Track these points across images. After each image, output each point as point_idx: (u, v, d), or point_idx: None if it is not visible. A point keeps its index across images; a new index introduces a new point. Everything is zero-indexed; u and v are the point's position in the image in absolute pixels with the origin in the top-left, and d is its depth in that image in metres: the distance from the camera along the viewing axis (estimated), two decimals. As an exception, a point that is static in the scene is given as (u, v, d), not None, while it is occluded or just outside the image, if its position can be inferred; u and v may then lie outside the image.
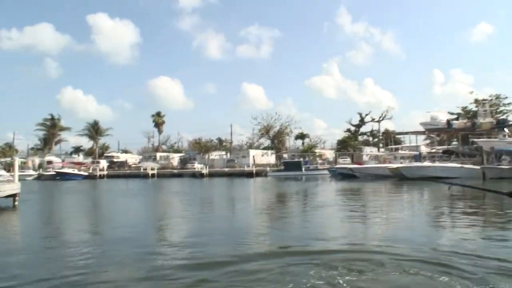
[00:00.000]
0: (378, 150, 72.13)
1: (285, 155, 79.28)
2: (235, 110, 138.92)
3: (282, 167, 63.95)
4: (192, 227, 14.74)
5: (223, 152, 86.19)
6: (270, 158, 78.02)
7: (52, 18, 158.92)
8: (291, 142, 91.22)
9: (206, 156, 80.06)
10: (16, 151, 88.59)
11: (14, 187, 20.58)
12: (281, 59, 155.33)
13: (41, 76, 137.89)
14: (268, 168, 64.74)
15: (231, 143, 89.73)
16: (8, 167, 60.44)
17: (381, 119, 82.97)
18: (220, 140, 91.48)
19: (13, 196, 20.21)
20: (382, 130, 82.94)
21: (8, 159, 71.55)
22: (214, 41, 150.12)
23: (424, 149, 57.73)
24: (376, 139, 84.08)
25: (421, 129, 65.39)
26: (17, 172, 23.34)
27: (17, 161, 27.82)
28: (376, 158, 59.33)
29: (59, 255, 9.80)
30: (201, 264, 8.46)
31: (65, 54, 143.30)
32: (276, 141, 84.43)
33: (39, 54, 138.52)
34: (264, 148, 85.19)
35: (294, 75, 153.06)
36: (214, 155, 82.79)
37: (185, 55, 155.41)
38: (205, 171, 63.85)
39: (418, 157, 49.78)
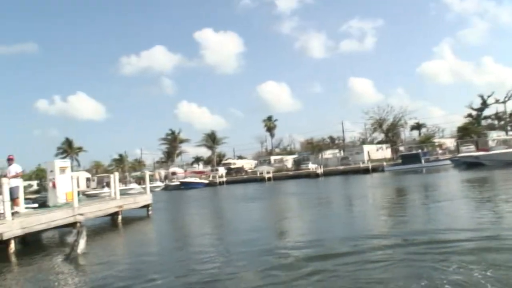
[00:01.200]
0: (506, 133, 65.85)
1: (401, 148, 76.10)
2: (344, 107, 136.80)
3: (400, 161, 61.47)
4: (312, 225, 14.97)
5: (336, 150, 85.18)
6: (385, 152, 75.35)
7: (164, 40, 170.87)
8: (406, 134, 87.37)
9: (320, 156, 79.80)
10: (144, 165, 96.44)
11: (147, 198, 22.54)
12: (387, 49, 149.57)
13: (159, 94, 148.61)
14: (384, 163, 62.58)
15: (343, 140, 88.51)
16: (138, 180, 66.07)
17: (507, 99, 75.05)
18: (332, 138, 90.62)
19: (147, 206, 22.12)
20: (509, 111, 75.56)
21: (138, 173, 78.16)
22: (316, 40, 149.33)
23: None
24: (502, 122, 76.84)
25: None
26: (148, 185, 25.47)
27: (147, 175, 30.44)
28: (504, 142, 54.26)
29: (190, 257, 10.62)
30: (321, 255, 8.94)
31: (178, 72, 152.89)
32: (391, 134, 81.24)
33: (155, 74, 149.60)
34: (378, 143, 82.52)
35: (403, 64, 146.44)
36: (328, 154, 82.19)
37: (289, 58, 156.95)
38: (319, 170, 63.58)
39: (556, 138, 44.64)
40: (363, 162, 64.42)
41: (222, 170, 77.44)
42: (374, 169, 59.41)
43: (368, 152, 71.52)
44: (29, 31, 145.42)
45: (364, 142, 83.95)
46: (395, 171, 54.16)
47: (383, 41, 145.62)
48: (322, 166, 66.52)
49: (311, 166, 69.07)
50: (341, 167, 66.09)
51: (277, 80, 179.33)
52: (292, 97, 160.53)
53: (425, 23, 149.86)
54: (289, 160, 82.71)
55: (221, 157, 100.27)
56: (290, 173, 69.59)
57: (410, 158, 58.44)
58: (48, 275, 9.78)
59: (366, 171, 58.84)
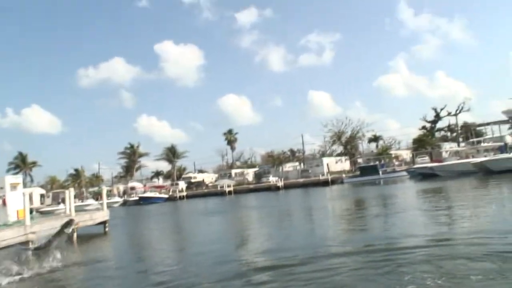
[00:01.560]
0: (458, 145, 68.34)
1: (359, 160, 77.64)
2: (304, 120, 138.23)
3: (358, 173, 62.65)
4: (271, 237, 15.07)
5: (297, 163, 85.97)
6: (344, 164, 76.69)
7: (123, 52, 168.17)
8: (364, 146, 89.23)
9: (280, 169, 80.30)
10: (102, 180, 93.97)
11: (104, 215, 21.95)
12: (345, 62, 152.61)
13: (118, 107, 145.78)
14: (343, 175, 63.66)
15: (303, 153, 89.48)
16: (96, 196, 64.33)
17: (458, 112, 77.92)
18: (292, 151, 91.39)
19: (104, 222, 21.52)
20: (460, 123, 78.57)
21: (96, 188, 76.14)
22: (276, 54, 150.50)
23: (510, 139, 54.08)
24: (454, 134, 79.75)
25: (504, 118, 61.25)
26: (105, 200, 24.78)
27: (105, 190, 29.62)
28: (456, 154, 56.41)
29: (147, 271, 10.50)
30: (278, 265, 9.21)
31: (137, 84, 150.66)
32: (349, 146, 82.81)
33: (114, 86, 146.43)
34: (338, 155, 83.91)
35: (360, 77, 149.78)
36: (288, 166, 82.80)
37: (250, 71, 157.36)
38: (280, 183, 63.92)
39: (504, 148, 46.66)
40: (323, 175, 65.25)
41: (182, 184, 76.53)
42: (334, 181, 60.32)
43: (327, 164, 72.55)
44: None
45: (323, 154, 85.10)
46: (353, 183, 55.13)
47: (340, 55, 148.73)
48: (282, 179, 66.94)
49: (272, 179, 69.34)
50: (301, 180, 66.71)
51: (238, 93, 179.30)
52: (253, 110, 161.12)
53: (380, 38, 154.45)
54: (250, 173, 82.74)
55: (181, 171, 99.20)
56: (251, 186, 69.57)
57: (368, 170, 59.67)
58: None
59: (325, 183, 59.62)
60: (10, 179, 19.25)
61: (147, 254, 14.30)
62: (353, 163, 76.86)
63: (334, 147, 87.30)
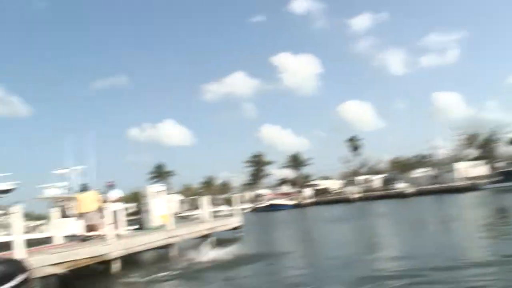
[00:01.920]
0: None
1: (499, 164, 70.84)
2: (431, 123, 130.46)
3: (500, 178, 57.16)
4: (405, 244, 14.70)
5: (427, 169, 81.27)
6: (480, 169, 70.50)
7: (243, 66, 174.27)
8: (503, 149, 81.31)
9: (409, 175, 76.61)
10: (232, 187, 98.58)
11: (237, 220, 23.08)
12: (473, 60, 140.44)
13: (241, 118, 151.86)
14: (481, 181, 58.54)
15: (434, 157, 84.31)
16: (227, 202, 67.54)
17: None
18: (421, 156, 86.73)
19: (237, 228, 22.64)
20: None
21: (227, 195, 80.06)
22: (394, 57, 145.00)
23: None
24: None
25: None
26: (237, 207, 26.02)
27: (235, 197, 31.12)
28: None
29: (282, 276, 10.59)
30: (410, 272, 9.15)
31: (258, 95, 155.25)
32: (486, 149, 76.06)
33: (236, 99, 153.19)
34: (473, 159, 77.55)
35: (492, 76, 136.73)
36: (417, 172, 78.68)
37: (369, 76, 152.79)
38: (409, 190, 60.98)
39: None
40: (456, 180, 60.79)
41: (308, 191, 77.10)
42: (469, 188, 55.72)
43: (461, 169, 67.44)
44: (119, 64, 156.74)
45: (456, 159, 79.35)
46: (494, 189, 50.37)
47: (467, 52, 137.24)
48: (412, 186, 63.71)
49: (400, 186, 66.49)
50: (432, 186, 62.83)
51: (358, 99, 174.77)
52: (376, 115, 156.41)
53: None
54: (376, 180, 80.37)
55: (306, 178, 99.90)
56: (379, 193, 67.45)
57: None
58: None
59: (460, 190, 55.32)
60: (155, 187, 21.23)
61: (282, 260, 14.71)
62: (492, 168, 70.41)
63: (468, 151, 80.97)
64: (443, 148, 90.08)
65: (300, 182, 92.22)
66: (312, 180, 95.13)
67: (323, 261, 12.93)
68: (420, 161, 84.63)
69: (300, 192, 78.81)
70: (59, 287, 11.61)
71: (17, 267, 7.02)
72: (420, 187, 64.23)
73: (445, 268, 9.25)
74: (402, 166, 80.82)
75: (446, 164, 77.17)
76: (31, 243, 16.93)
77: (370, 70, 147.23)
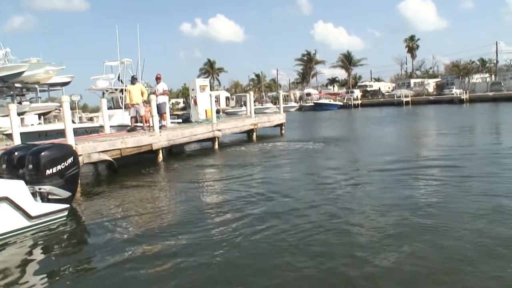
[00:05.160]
0: None
1: None
2: (499, 25, 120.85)
3: None
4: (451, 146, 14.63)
5: (487, 75, 76.85)
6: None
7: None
8: None
9: (466, 80, 72.93)
10: (280, 86, 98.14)
11: (281, 118, 23.29)
12: None
13: (295, 14, 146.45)
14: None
15: (496, 63, 79.28)
16: (274, 100, 67.92)
17: None
18: (482, 61, 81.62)
19: (280, 125, 22.95)
20: None
21: (274, 93, 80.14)
22: None
23: None
24: None
25: None
26: (282, 105, 26.09)
27: (282, 95, 31.17)
28: None
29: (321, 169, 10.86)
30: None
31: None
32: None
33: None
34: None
35: None
36: (476, 78, 74.69)
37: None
38: (464, 96, 58.41)
39: None
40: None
41: (357, 93, 75.77)
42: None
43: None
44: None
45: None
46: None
47: None
48: (468, 92, 60.89)
49: (455, 91, 63.75)
50: (491, 93, 59.69)
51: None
52: (438, 14, 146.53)
53: None
54: (430, 84, 77.32)
55: (357, 79, 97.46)
56: (431, 98, 65.20)
57: None
58: (193, 177, 11.20)
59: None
60: (200, 81, 21.36)
61: (321, 152, 15.04)
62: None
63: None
64: (509, 52, 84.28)
65: (350, 83, 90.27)
66: (363, 82, 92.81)
67: (365, 157, 12.97)
68: (480, 67, 79.79)
69: (349, 92, 77.50)
70: (107, 172, 12.46)
71: (69, 150, 7.67)
72: (477, 94, 61.34)
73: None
74: (460, 71, 76.53)
75: (508, 71, 72.65)
76: (83, 132, 18.04)
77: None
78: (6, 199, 6.21)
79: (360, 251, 5.10)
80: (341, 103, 68.52)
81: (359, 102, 68.29)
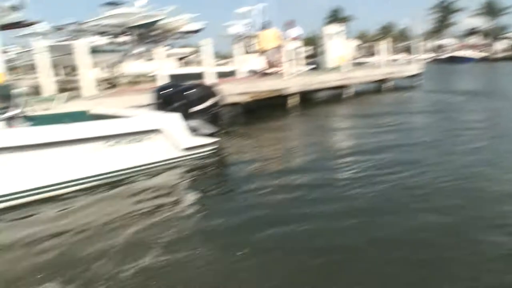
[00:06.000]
0: None
1: None
2: None
3: None
4: None
5: None
6: None
7: None
8: None
9: None
10: (411, 36, 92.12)
11: (414, 69, 22.09)
12: None
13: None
14: None
15: None
16: (406, 51, 64.23)
17: None
18: None
19: (413, 76, 21.81)
20: None
21: (406, 43, 75.64)
22: None
23: None
24: None
25: None
26: (414, 55, 24.62)
27: (414, 46, 29.36)
28: None
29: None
30: None
31: None
32: None
33: None
34: None
35: None
36: None
37: None
38: None
39: None
40: None
41: (502, 45, 68.43)
42: None
43: None
44: None
45: None
46: None
47: None
48: None
49: None
50: None
51: None
52: None
53: None
54: None
55: (501, 30, 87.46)
56: None
57: None
58: (326, 123, 11.59)
59: None
60: (332, 28, 20.89)
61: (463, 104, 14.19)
62: None
63: None
64: None
65: (494, 34, 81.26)
66: (509, 33, 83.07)
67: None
68: None
69: (491, 44, 70.17)
70: (243, 113, 13.03)
71: (211, 91, 8.13)
72: None
73: None
74: None
75: None
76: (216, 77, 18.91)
77: None
78: (164, 131, 6.78)
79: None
80: (481, 56, 62.52)
81: (504, 55, 61.60)
